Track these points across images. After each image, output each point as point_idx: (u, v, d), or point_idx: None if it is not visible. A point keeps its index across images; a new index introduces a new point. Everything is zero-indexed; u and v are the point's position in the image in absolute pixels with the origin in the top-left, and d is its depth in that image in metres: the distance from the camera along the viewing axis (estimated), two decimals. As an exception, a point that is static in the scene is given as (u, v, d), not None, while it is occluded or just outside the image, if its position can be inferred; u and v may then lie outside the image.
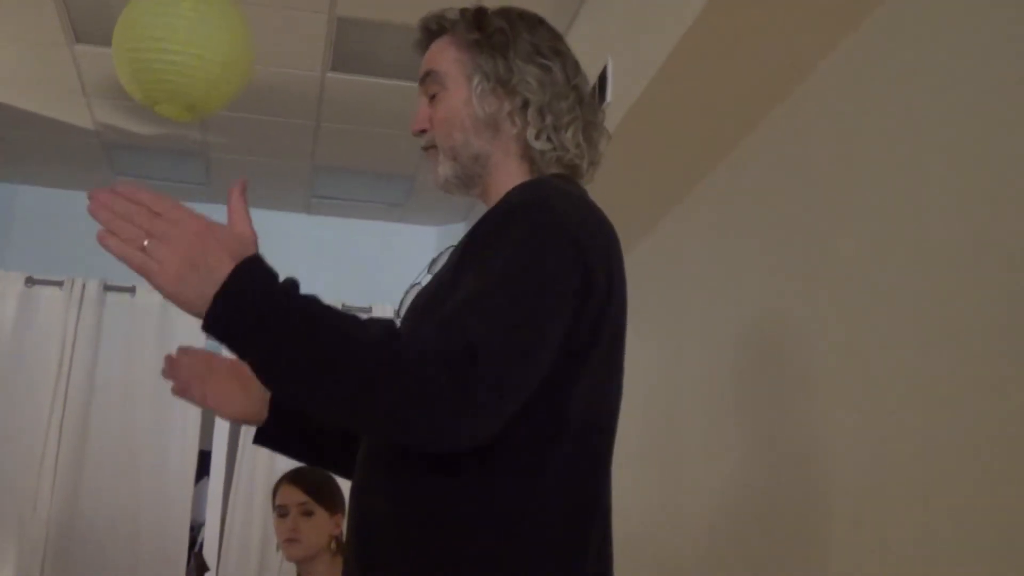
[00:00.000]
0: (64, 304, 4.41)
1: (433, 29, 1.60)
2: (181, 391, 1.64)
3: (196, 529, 4.80)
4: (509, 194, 1.41)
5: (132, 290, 4.46)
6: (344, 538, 2.81)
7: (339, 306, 4.81)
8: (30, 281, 4.43)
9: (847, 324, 2.30)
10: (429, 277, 1.51)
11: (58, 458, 4.23)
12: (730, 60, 2.59)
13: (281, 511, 2.96)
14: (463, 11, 1.57)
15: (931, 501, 1.93)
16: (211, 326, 1.15)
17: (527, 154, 1.52)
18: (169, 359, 1.67)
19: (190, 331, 4.35)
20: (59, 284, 4.45)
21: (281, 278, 1.21)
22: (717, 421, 2.96)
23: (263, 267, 1.20)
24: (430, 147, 1.56)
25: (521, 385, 1.23)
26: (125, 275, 4.66)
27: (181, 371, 1.65)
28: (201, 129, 4.63)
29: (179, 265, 1.16)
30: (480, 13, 1.56)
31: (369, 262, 5.49)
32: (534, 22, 1.59)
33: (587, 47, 3.41)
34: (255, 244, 1.24)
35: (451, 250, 1.51)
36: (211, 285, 1.15)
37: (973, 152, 1.91)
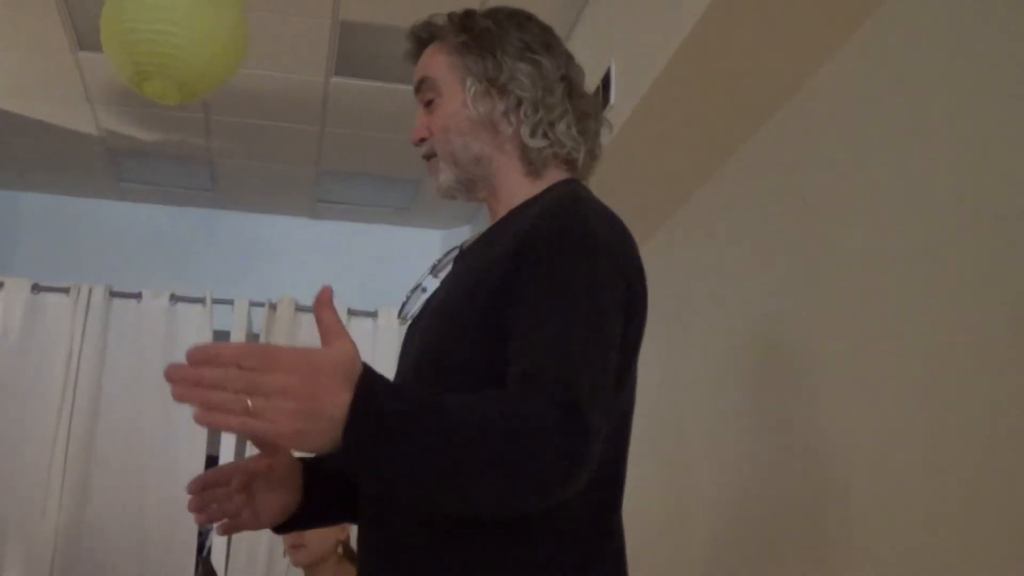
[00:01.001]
0: (70, 310, 4.41)
1: (423, 37, 1.61)
2: (231, 527, 1.51)
3: (204, 534, 4.80)
4: (539, 216, 1.37)
5: (138, 296, 4.46)
6: (352, 543, 2.79)
7: (344, 311, 4.81)
8: (36, 288, 4.43)
9: (851, 326, 2.30)
10: (432, 281, 1.50)
11: (66, 464, 4.23)
12: (733, 62, 2.59)
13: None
14: (450, 15, 1.56)
15: (936, 501, 1.93)
16: (345, 467, 1.09)
17: (525, 152, 1.50)
18: (197, 501, 1.52)
19: (196, 335, 4.36)
20: (65, 291, 4.45)
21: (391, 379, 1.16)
22: (722, 422, 2.95)
23: (377, 390, 1.08)
24: (430, 156, 1.56)
25: (607, 420, 1.25)
26: (131, 280, 4.68)
27: (219, 501, 1.50)
28: (205, 134, 4.63)
29: (294, 418, 1.01)
30: (467, 15, 1.55)
31: (374, 266, 5.49)
32: (522, 18, 1.58)
33: (590, 50, 3.41)
34: (357, 355, 1.08)
35: (455, 253, 1.52)
36: (333, 428, 1.04)
37: (977, 153, 1.91)
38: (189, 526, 4.35)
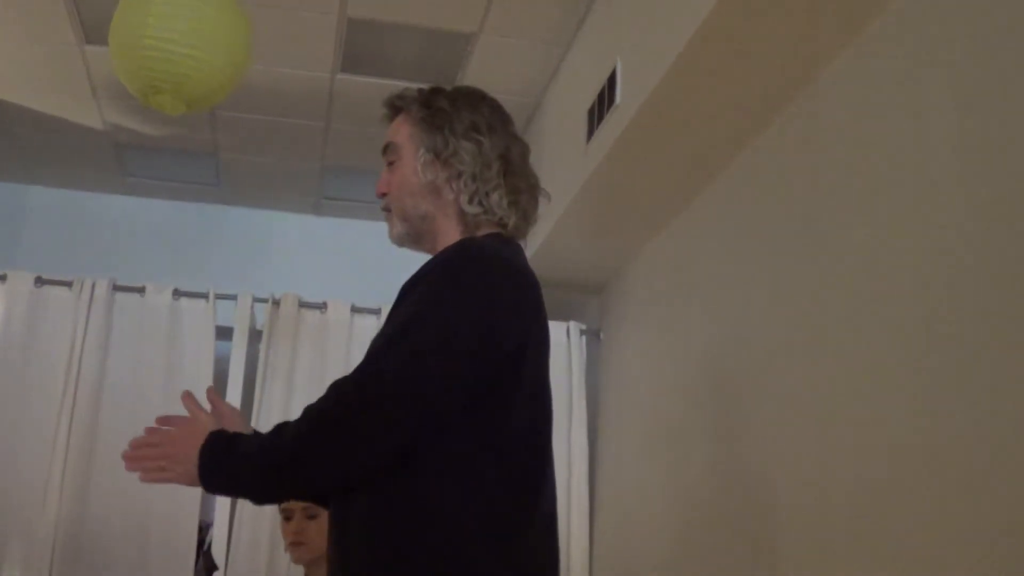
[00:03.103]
0: (73, 304, 4.41)
1: (397, 106, 1.88)
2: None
3: (204, 529, 4.80)
4: (439, 253, 1.74)
5: (141, 290, 4.46)
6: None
7: (348, 308, 4.78)
8: (39, 281, 4.42)
9: (854, 331, 2.30)
10: None
11: (67, 457, 4.23)
12: (739, 62, 2.59)
13: (286, 514, 2.97)
14: (419, 91, 1.86)
15: (928, 515, 1.93)
16: (207, 490, 1.70)
17: (462, 216, 1.79)
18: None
19: (199, 331, 4.36)
20: (68, 284, 4.45)
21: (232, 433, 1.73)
22: (719, 428, 2.95)
23: (212, 442, 1.68)
24: (387, 209, 1.87)
25: (404, 417, 1.56)
26: (134, 275, 4.68)
27: None
28: (211, 130, 4.63)
29: (180, 466, 1.69)
30: (431, 93, 1.85)
31: (378, 264, 5.45)
32: (476, 100, 1.84)
33: (596, 49, 3.41)
34: (212, 423, 1.74)
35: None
36: (196, 470, 1.68)
37: (981, 156, 1.91)
38: (190, 520, 4.35)
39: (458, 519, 1.57)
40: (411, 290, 1.69)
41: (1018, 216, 1.80)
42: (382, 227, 5.37)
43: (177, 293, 4.43)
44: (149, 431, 1.75)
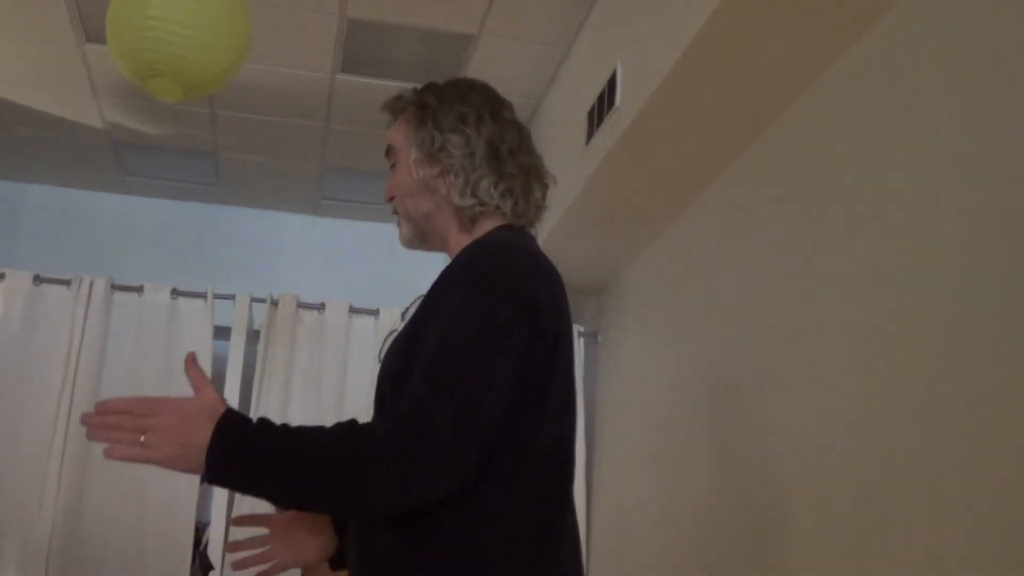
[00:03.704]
0: (71, 303, 4.41)
1: (395, 109, 1.86)
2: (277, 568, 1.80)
3: (201, 529, 4.79)
4: (461, 254, 1.71)
5: (140, 289, 4.46)
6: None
7: (346, 309, 4.78)
8: (38, 279, 4.42)
9: (852, 334, 2.30)
10: (402, 325, 1.74)
11: (64, 456, 4.22)
12: (738, 66, 2.59)
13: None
14: (415, 90, 1.84)
15: (925, 512, 1.93)
16: (213, 481, 1.44)
17: (457, 210, 1.76)
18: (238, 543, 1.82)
19: (197, 330, 4.36)
20: (66, 283, 4.45)
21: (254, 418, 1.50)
22: (718, 431, 2.95)
23: (233, 423, 1.47)
24: (396, 212, 1.85)
25: (471, 443, 1.46)
26: (133, 274, 4.68)
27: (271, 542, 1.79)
28: (210, 129, 4.63)
29: (174, 447, 1.44)
30: (423, 91, 1.83)
31: (377, 265, 5.48)
32: (464, 90, 1.82)
33: (596, 51, 3.41)
34: (219, 400, 1.49)
35: (420, 300, 1.72)
36: (201, 453, 1.43)
37: (983, 158, 1.91)
38: (187, 519, 4.35)
39: (489, 545, 1.52)
40: (438, 300, 1.60)
41: (1017, 225, 1.80)
42: (381, 228, 5.35)
43: (175, 292, 4.43)
44: (130, 400, 1.47)
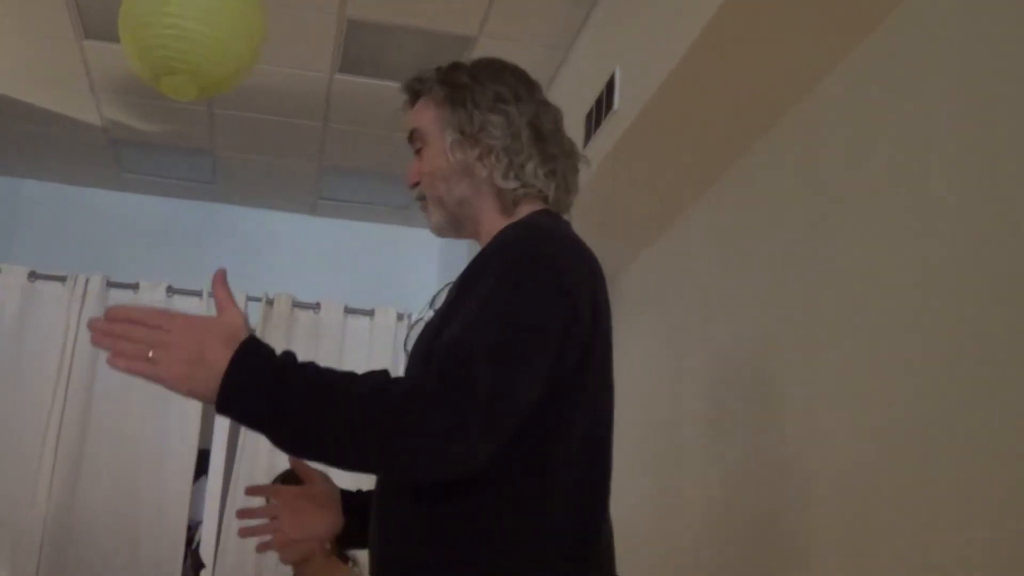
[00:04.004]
0: (67, 300, 4.41)
1: (415, 90, 1.77)
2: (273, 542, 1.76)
3: (193, 528, 4.79)
4: (498, 235, 1.62)
5: (135, 287, 4.46)
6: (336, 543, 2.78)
7: (341, 309, 4.78)
8: (33, 276, 4.42)
9: (850, 336, 2.30)
10: (431, 313, 1.66)
11: (57, 454, 4.22)
12: (736, 71, 2.59)
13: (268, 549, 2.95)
14: (437, 69, 1.75)
15: (924, 513, 1.93)
16: (223, 410, 1.31)
17: (499, 193, 1.67)
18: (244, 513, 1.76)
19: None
20: (62, 279, 4.45)
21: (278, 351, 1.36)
22: (717, 432, 2.95)
23: (256, 350, 1.34)
24: (422, 198, 1.74)
25: (507, 414, 1.36)
26: (128, 271, 4.68)
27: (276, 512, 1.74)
28: (208, 127, 4.63)
29: (183, 366, 1.30)
30: (450, 70, 1.73)
31: (374, 265, 5.48)
32: (498, 70, 1.74)
33: (595, 55, 3.41)
34: (246, 327, 1.36)
35: (450, 287, 1.65)
36: (215, 377, 1.30)
37: (984, 160, 1.91)
38: (179, 518, 4.35)
39: (522, 541, 1.42)
40: (473, 284, 1.51)
41: (1018, 228, 1.80)
42: (377, 229, 5.32)
43: (171, 290, 4.44)
44: (145, 309, 1.34)
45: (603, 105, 3.17)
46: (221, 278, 1.40)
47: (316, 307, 4.47)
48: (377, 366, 4.53)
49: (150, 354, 1.30)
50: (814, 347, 2.46)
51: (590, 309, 1.51)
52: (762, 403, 2.69)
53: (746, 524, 2.70)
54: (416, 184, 1.74)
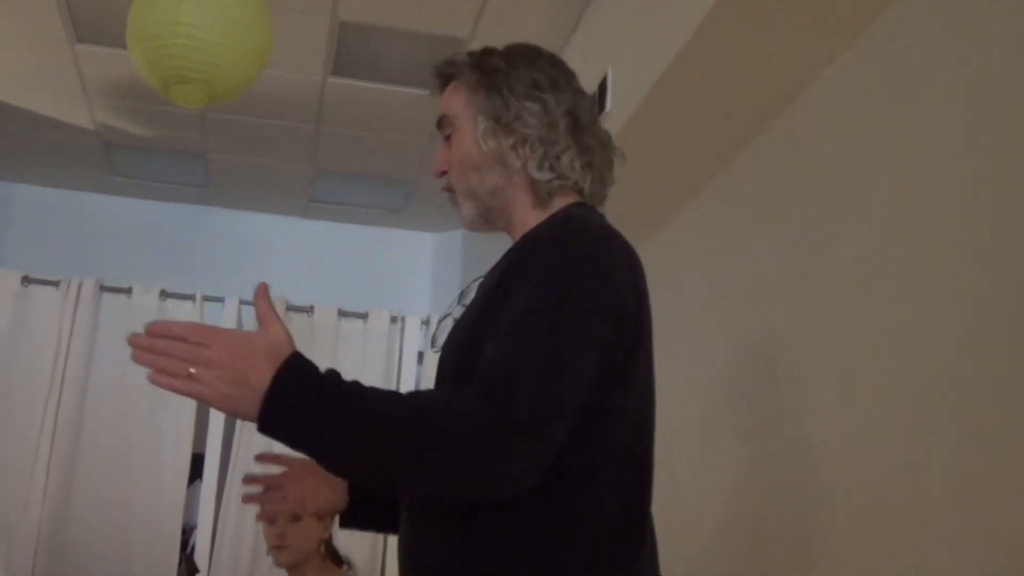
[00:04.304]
0: (60, 304, 4.40)
1: (447, 74, 1.68)
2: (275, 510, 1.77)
3: (188, 532, 4.79)
4: (535, 230, 1.54)
5: (128, 291, 4.45)
6: (335, 542, 2.79)
7: (335, 312, 4.76)
8: (26, 280, 4.42)
9: (845, 338, 2.30)
10: (460, 309, 1.61)
11: (51, 458, 4.21)
12: (729, 72, 2.59)
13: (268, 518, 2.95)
14: (470, 54, 1.66)
15: (926, 516, 1.93)
16: (265, 431, 1.27)
17: (532, 184, 1.59)
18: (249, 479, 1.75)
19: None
20: (55, 284, 4.44)
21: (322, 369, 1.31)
22: (714, 435, 2.95)
23: (299, 368, 1.28)
24: (450, 189, 1.65)
25: (557, 425, 1.32)
26: (121, 275, 4.67)
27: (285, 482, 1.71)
28: (201, 131, 4.62)
29: (226, 385, 1.25)
30: (483, 55, 1.65)
31: (366, 268, 5.49)
32: (533, 56, 1.66)
33: (587, 56, 3.41)
34: (289, 343, 1.30)
35: (479, 282, 1.60)
36: (258, 395, 1.25)
37: (977, 161, 1.91)
38: (173, 522, 4.34)
39: (561, 547, 1.38)
40: (511, 283, 1.44)
41: (1017, 225, 1.80)
42: (370, 232, 5.29)
43: (164, 294, 4.43)
44: (187, 325, 1.29)
45: (595, 106, 3.17)
46: (263, 292, 1.34)
47: (310, 310, 4.47)
48: (371, 369, 4.55)
49: (192, 371, 1.26)
50: (807, 349, 2.46)
51: (636, 304, 1.48)
52: (758, 408, 2.70)
53: (744, 532, 2.70)
54: (444, 173, 1.66)
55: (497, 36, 3.72)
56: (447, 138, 1.65)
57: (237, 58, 2.79)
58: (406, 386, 4.41)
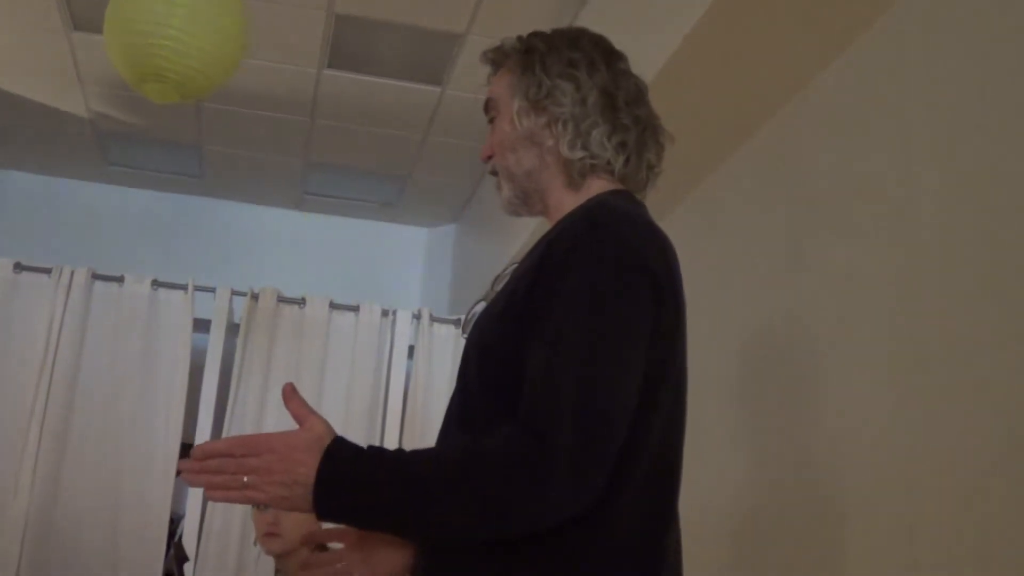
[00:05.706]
0: (52, 292, 4.39)
1: (497, 59, 1.67)
2: None
3: (176, 522, 4.78)
4: (566, 219, 1.49)
5: (120, 279, 4.44)
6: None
7: (326, 304, 4.76)
8: (18, 267, 4.40)
9: (842, 333, 2.31)
10: (493, 294, 1.57)
11: (40, 446, 4.20)
12: (726, 70, 2.60)
13: (261, 505, 2.95)
14: (518, 37, 1.65)
15: (932, 499, 1.94)
16: (326, 517, 1.33)
17: (565, 164, 1.56)
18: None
19: (176, 322, 4.35)
20: (47, 271, 4.43)
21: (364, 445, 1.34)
22: (725, 425, 2.96)
23: (340, 450, 1.33)
24: (494, 173, 1.64)
25: (614, 438, 1.32)
26: (113, 264, 4.66)
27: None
28: (195, 121, 4.62)
29: (278, 488, 1.31)
30: (530, 36, 1.64)
31: (359, 261, 5.49)
32: (575, 35, 1.66)
33: (583, 54, 3.42)
34: (329, 432, 1.34)
35: (513, 268, 1.57)
36: (308, 491, 1.30)
37: (969, 162, 1.93)
38: (162, 511, 4.34)
39: (581, 562, 1.35)
40: (544, 276, 1.40)
41: (1010, 223, 1.82)
42: (363, 225, 5.29)
43: (156, 284, 4.42)
44: (229, 441, 1.35)
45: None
46: (291, 392, 1.38)
47: (301, 302, 4.47)
48: (361, 363, 4.55)
49: (245, 479, 1.31)
50: (803, 349, 2.47)
51: (673, 301, 1.47)
52: (761, 399, 2.71)
53: (760, 518, 2.71)
54: (489, 157, 1.65)
55: (494, 31, 3.75)
56: (491, 122, 1.65)
57: (215, 64, 2.82)
58: (396, 379, 4.42)
